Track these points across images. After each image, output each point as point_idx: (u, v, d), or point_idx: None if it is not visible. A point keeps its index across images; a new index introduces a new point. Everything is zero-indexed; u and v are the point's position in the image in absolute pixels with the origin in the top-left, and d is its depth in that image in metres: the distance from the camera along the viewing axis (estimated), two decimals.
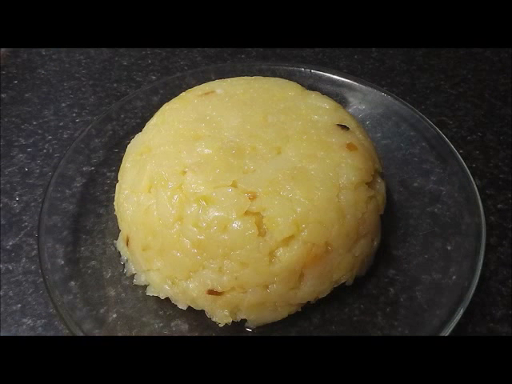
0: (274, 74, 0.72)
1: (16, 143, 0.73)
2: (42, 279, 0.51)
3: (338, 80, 0.72)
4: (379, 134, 0.67)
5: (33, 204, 0.64)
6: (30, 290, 0.55)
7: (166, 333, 0.49)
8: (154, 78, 0.85)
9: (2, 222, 0.62)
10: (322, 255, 0.46)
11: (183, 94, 0.60)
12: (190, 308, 0.50)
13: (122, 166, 0.56)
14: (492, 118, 0.75)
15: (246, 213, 0.45)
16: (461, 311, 0.46)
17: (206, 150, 0.50)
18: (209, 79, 0.64)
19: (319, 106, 0.56)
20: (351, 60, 0.87)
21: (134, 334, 0.49)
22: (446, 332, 0.45)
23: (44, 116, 0.77)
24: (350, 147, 0.51)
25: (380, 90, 0.70)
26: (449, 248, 0.53)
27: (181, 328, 0.50)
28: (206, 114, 0.54)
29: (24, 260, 0.58)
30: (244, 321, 0.49)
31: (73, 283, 0.51)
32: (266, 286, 0.46)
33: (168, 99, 0.60)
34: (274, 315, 0.49)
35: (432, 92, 0.80)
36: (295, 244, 0.45)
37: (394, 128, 0.67)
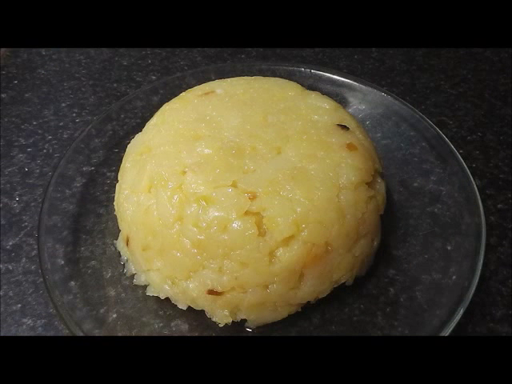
0: (274, 74, 0.72)
1: (16, 143, 0.73)
2: (42, 279, 0.51)
3: (338, 80, 0.72)
4: (379, 134, 0.67)
5: (33, 204, 0.64)
6: (30, 290, 0.55)
7: (165, 333, 0.49)
8: (154, 78, 0.85)
9: (2, 222, 0.62)
10: (322, 255, 0.46)
11: (183, 94, 0.60)
12: (190, 308, 0.50)
13: (121, 166, 0.56)
14: (492, 118, 0.75)
15: (246, 213, 0.45)
16: (461, 311, 0.46)
17: (206, 150, 0.50)
18: (209, 79, 0.64)
19: (319, 106, 0.56)
20: (351, 60, 0.87)
21: (134, 334, 0.49)
22: (446, 332, 0.45)
23: (44, 116, 0.77)
24: (350, 147, 0.51)
25: (380, 90, 0.70)
26: (449, 248, 0.53)
27: (181, 328, 0.50)
28: (206, 114, 0.54)
29: (24, 260, 0.58)
30: (244, 321, 0.49)
31: (73, 283, 0.51)
32: (266, 286, 0.46)
33: (168, 99, 0.60)
34: (274, 315, 0.49)
35: (432, 92, 0.80)
36: (295, 244, 0.45)
37: (394, 128, 0.67)
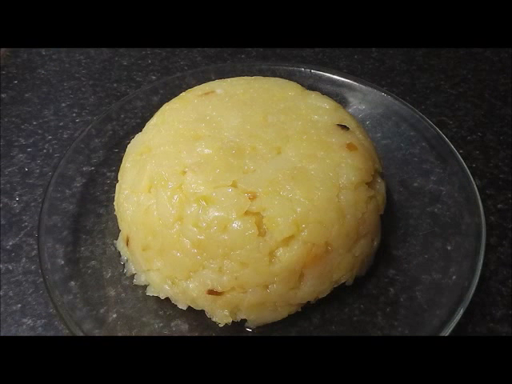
0: (274, 74, 0.72)
1: (16, 143, 0.73)
2: (42, 279, 0.51)
3: (338, 80, 0.72)
4: (379, 134, 0.67)
5: (33, 204, 0.64)
6: (30, 290, 0.55)
7: (166, 333, 0.49)
8: (154, 78, 0.85)
9: (2, 222, 0.62)
10: (322, 255, 0.46)
11: (183, 94, 0.60)
12: (190, 308, 0.50)
13: (122, 166, 0.56)
14: (492, 118, 0.75)
15: (246, 213, 0.45)
16: (461, 311, 0.46)
17: (206, 150, 0.49)
18: (209, 79, 0.64)
19: (319, 106, 0.56)
20: (351, 60, 0.87)
21: (134, 334, 0.49)
22: (446, 332, 0.45)
23: (44, 116, 0.77)
24: (350, 147, 0.51)
25: (380, 90, 0.70)
26: (449, 248, 0.53)
27: (181, 328, 0.50)
28: (206, 114, 0.54)
29: (24, 260, 0.58)
30: (244, 321, 0.49)
31: (73, 283, 0.51)
32: (266, 286, 0.46)
33: (168, 99, 0.60)
34: (274, 315, 0.49)
35: (432, 92, 0.80)
36: (295, 244, 0.45)
37: (394, 128, 0.67)
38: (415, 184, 0.62)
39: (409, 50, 0.89)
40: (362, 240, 0.49)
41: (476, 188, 0.56)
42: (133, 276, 0.53)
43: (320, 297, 0.49)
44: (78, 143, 0.64)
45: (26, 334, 0.51)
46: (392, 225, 0.57)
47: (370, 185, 0.51)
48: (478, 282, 0.48)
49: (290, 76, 0.71)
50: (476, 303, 0.52)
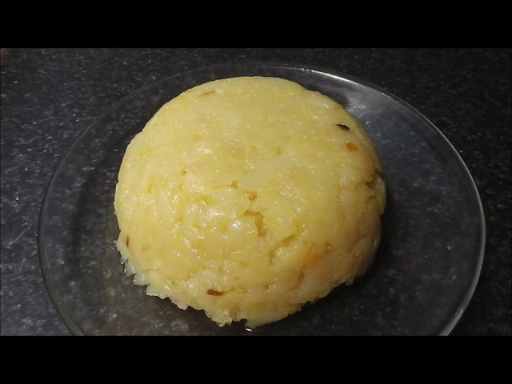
0: (274, 74, 0.72)
1: (16, 143, 0.73)
2: (42, 279, 0.51)
3: (338, 80, 0.72)
4: (379, 134, 0.67)
5: (33, 204, 0.64)
6: (30, 290, 0.55)
7: (166, 333, 0.49)
8: (154, 78, 0.85)
9: (2, 222, 0.62)
10: (322, 255, 0.46)
11: (183, 94, 0.60)
12: (190, 308, 0.50)
13: (122, 166, 0.56)
14: (492, 118, 0.75)
15: (246, 213, 0.45)
16: (461, 311, 0.46)
17: (206, 150, 0.49)
18: (209, 79, 0.64)
19: (319, 106, 0.56)
20: (351, 60, 0.87)
21: (134, 334, 0.49)
22: (446, 332, 0.45)
23: (44, 116, 0.77)
24: (350, 147, 0.51)
25: (380, 90, 0.70)
26: (449, 248, 0.53)
27: (181, 328, 0.50)
28: (206, 113, 0.54)
29: (24, 260, 0.58)
30: (244, 321, 0.49)
31: (73, 283, 0.51)
32: (266, 286, 0.46)
33: (168, 99, 0.60)
34: (274, 315, 0.49)
35: (432, 92, 0.80)
36: (295, 244, 0.45)
37: (394, 128, 0.67)
38: (415, 184, 0.62)
39: (409, 50, 0.89)
40: (362, 240, 0.49)
41: (476, 188, 0.56)
42: (133, 276, 0.53)
43: (320, 297, 0.49)
44: (78, 143, 0.64)
45: (25, 334, 0.51)
46: (392, 225, 0.57)
47: (370, 185, 0.51)
48: (478, 282, 0.48)
49: (289, 76, 0.71)
50: (476, 303, 0.52)
